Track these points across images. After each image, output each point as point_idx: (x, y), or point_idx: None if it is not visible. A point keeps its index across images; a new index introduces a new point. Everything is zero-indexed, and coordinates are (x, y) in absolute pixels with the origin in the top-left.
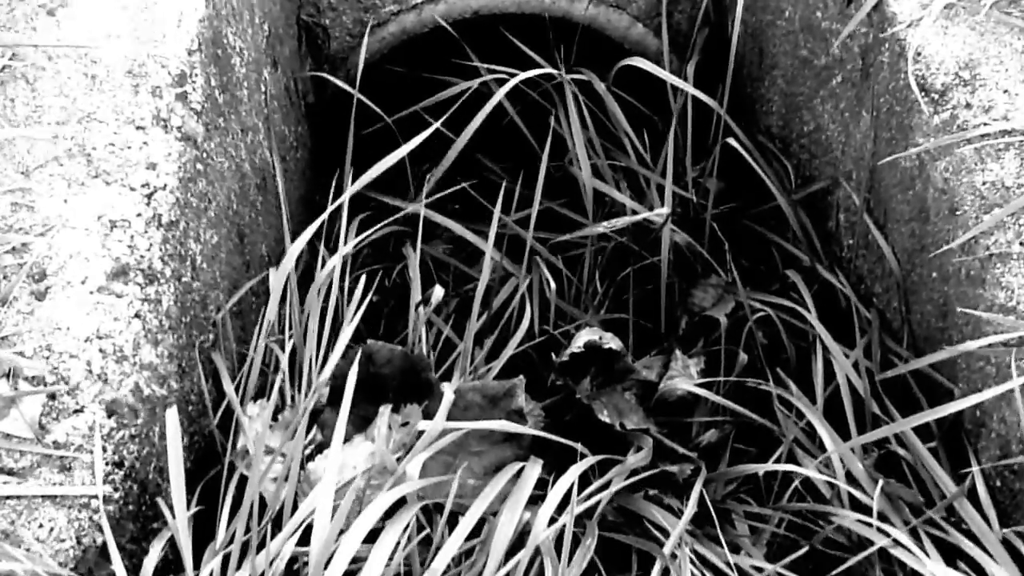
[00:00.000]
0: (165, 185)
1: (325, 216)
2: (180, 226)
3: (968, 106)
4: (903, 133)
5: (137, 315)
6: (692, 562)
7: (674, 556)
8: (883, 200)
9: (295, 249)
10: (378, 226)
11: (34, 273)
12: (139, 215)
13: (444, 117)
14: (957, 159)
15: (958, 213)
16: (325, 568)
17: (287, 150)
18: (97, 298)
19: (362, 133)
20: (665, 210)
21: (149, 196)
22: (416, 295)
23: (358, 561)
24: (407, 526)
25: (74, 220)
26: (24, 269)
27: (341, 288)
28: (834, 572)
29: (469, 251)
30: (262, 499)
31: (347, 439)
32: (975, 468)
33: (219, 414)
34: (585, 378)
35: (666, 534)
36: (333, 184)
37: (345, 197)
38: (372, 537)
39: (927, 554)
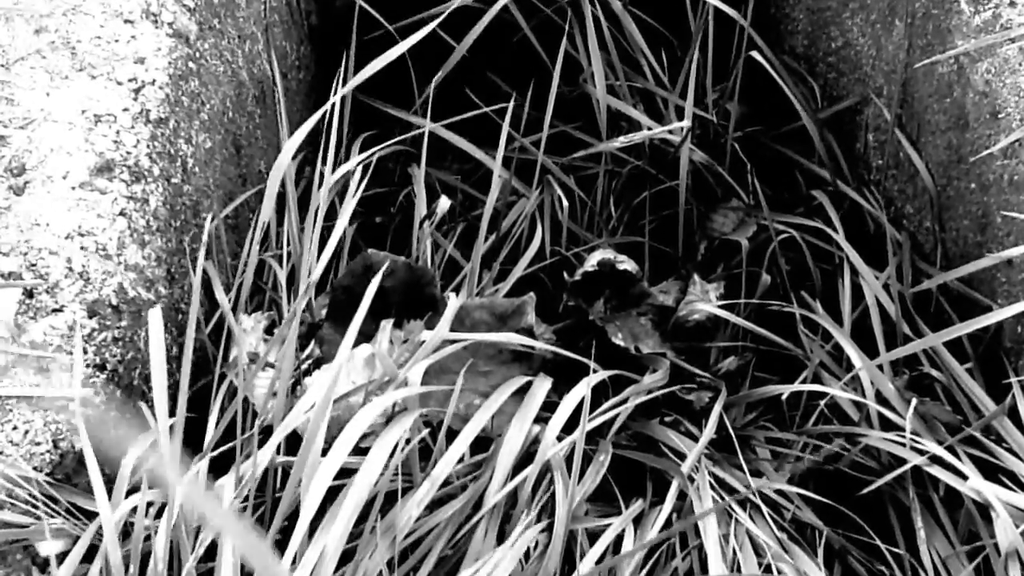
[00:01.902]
0: (154, 80)
1: (327, 107)
2: (170, 124)
3: (1012, 3)
4: (940, 38)
5: (122, 213)
6: (712, 487)
7: (691, 479)
8: (916, 113)
9: (295, 141)
10: (384, 145)
11: (12, 167)
12: (126, 110)
13: (440, 19)
14: (1000, 60)
15: (1000, 116)
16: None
17: (288, 68)
18: (79, 194)
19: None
20: (685, 123)
21: (136, 91)
22: (421, 210)
23: (349, 475)
24: (407, 435)
25: (56, 114)
26: (2, 163)
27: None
28: (864, 491)
29: (477, 177)
30: (255, 413)
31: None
32: (1014, 380)
33: (211, 325)
34: (599, 300)
35: (683, 459)
36: (338, 101)
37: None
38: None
39: (966, 472)
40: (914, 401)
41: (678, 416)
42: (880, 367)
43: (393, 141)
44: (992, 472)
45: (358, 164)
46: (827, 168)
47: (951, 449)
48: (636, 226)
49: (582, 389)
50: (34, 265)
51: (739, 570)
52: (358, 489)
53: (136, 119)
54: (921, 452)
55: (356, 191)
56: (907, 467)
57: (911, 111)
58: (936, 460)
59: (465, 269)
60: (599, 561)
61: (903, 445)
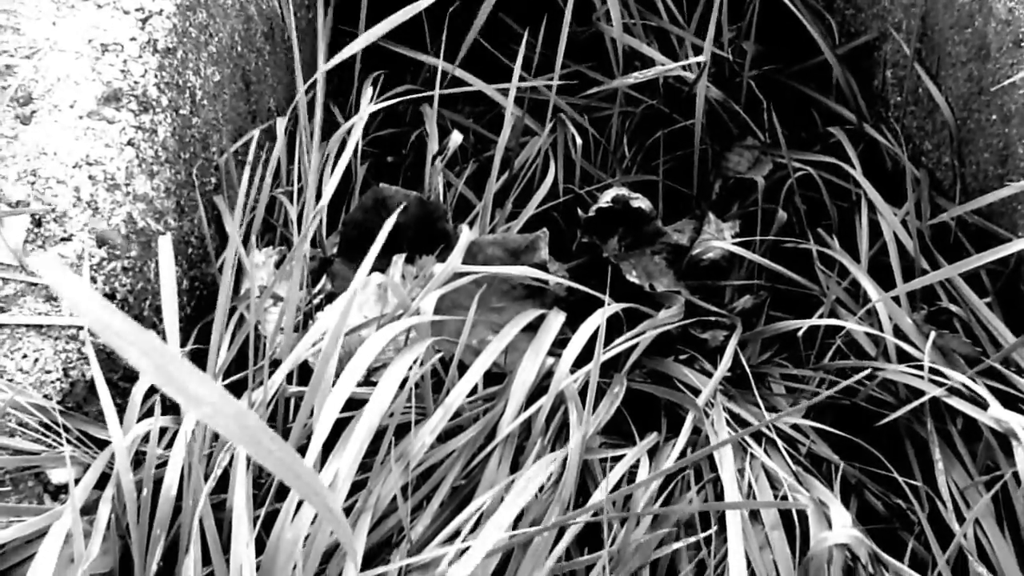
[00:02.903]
0: (161, 10)
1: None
2: (178, 55)
3: None
4: None
5: (130, 143)
6: (727, 422)
7: (706, 414)
8: (936, 46)
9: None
10: (398, 92)
11: (19, 96)
12: (133, 39)
13: None
14: None
15: (1023, 45)
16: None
17: (297, 6)
18: (87, 123)
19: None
20: (702, 57)
21: (144, 20)
22: (433, 148)
23: (359, 406)
24: (420, 361)
25: (63, 43)
26: (8, 92)
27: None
28: (881, 422)
29: (489, 118)
30: (266, 347)
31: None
32: None
33: (221, 259)
34: (612, 238)
35: (698, 395)
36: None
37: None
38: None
39: (987, 400)
40: (933, 334)
41: (693, 353)
42: (897, 300)
43: (407, 88)
44: (1012, 403)
45: (372, 102)
46: (844, 105)
47: (970, 381)
48: (650, 166)
49: (597, 319)
50: (42, 194)
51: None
52: (371, 414)
53: (144, 48)
54: (940, 384)
55: (366, 124)
56: (926, 398)
57: (931, 44)
58: (955, 392)
59: (477, 208)
60: (614, 489)
61: (921, 377)
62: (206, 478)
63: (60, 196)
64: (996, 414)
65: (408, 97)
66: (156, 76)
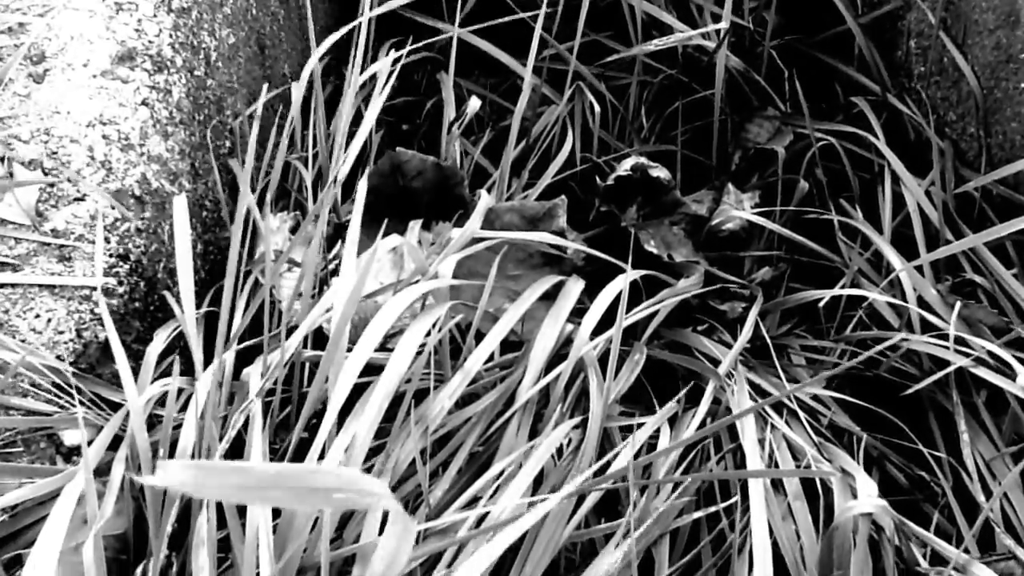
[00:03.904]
0: None
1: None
2: (192, 15)
3: None
4: None
5: (144, 103)
6: (748, 393)
7: (726, 385)
8: (963, 14)
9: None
10: (413, 48)
11: (32, 55)
12: None
13: None
14: None
15: None
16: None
17: None
18: (100, 82)
19: None
20: (723, 24)
21: None
22: (449, 114)
23: (375, 372)
24: (438, 325)
25: (76, 1)
26: (21, 50)
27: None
28: (905, 393)
29: (506, 87)
30: (281, 313)
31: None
32: None
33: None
34: (631, 207)
35: (717, 365)
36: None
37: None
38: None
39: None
40: (958, 304)
41: (712, 323)
42: (921, 271)
43: (421, 45)
44: None
45: (387, 64)
46: (867, 76)
47: (996, 358)
48: (668, 136)
49: (618, 284)
50: (55, 153)
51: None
52: (389, 377)
53: (158, 7)
54: (966, 355)
55: (384, 85)
56: (952, 368)
57: (956, 12)
58: (981, 362)
59: (494, 176)
60: (635, 457)
61: (947, 348)
62: (221, 439)
63: (74, 155)
64: None
65: (424, 62)
66: (171, 36)
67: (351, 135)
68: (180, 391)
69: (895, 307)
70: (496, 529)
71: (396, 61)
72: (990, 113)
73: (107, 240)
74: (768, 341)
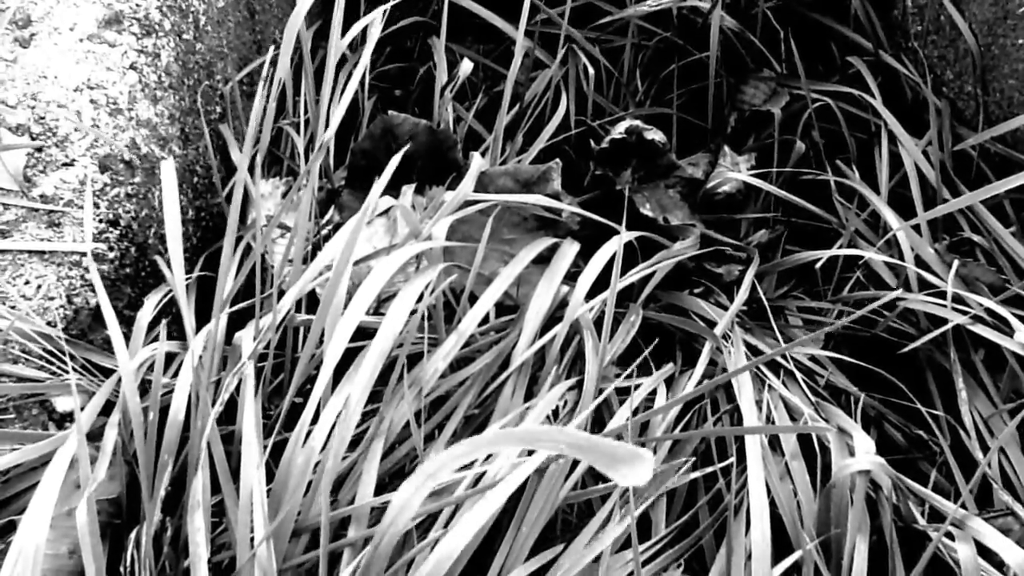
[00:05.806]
0: None
1: None
2: None
3: None
4: None
5: (132, 67)
6: (745, 354)
7: (723, 346)
8: None
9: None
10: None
11: (17, 19)
12: None
13: None
14: None
15: None
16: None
17: None
18: (88, 46)
19: None
20: None
21: None
22: (442, 79)
23: (368, 337)
24: (431, 288)
25: None
26: (6, 15)
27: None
28: (903, 350)
29: (499, 53)
30: (273, 278)
31: (368, 222)
32: None
33: (228, 189)
34: (626, 170)
35: (714, 327)
36: None
37: None
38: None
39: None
40: (956, 262)
41: (709, 286)
42: (918, 230)
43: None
44: None
45: (376, 15)
46: (863, 36)
47: (994, 315)
48: (663, 100)
49: (613, 245)
50: (43, 118)
51: None
52: (383, 338)
53: None
54: (964, 313)
55: (373, 58)
56: (950, 326)
57: None
58: (979, 320)
59: (487, 140)
60: (632, 415)
61: (944, 306)
62: (213, 403)
63: (61, 120)
64: (1022, 339)
65: (416, 27)
66: None
67: (337, 91)
68: (172, 356)
69: (893, 267)
70: (492, 488)
71: (388, 29)
72: (987, 71)
73: (96, 205)
74: (765, 303)
